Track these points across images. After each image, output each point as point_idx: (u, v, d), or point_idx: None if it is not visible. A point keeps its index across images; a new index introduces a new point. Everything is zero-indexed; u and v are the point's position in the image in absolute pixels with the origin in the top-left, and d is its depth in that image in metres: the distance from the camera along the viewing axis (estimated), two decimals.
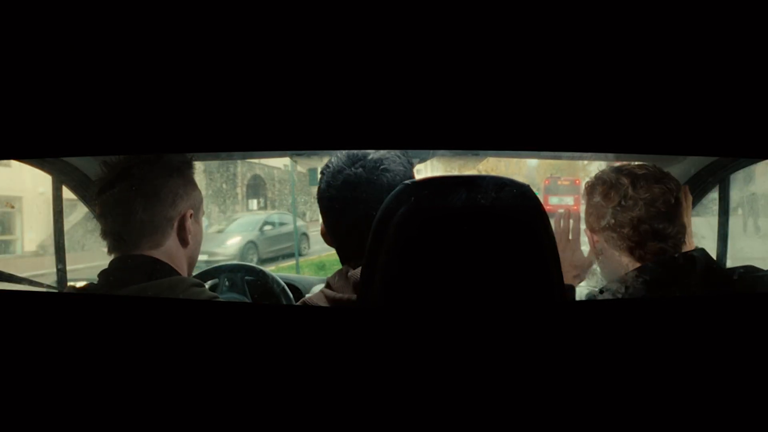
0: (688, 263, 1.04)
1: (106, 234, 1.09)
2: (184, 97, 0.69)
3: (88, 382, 0.73)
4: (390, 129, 0.66)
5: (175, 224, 1.09)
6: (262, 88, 0.68)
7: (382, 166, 0.96)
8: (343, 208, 0.97)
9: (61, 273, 1.51)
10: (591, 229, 1.14)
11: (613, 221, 1.07)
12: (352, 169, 0.96)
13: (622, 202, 1.05)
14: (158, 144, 0.74)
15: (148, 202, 1.05)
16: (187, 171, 1.12)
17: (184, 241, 1.10)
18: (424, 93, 0.65)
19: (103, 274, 1.12)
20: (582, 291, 1.24)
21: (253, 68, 0.67)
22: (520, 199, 0.75)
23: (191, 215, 1.11)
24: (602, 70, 0.65)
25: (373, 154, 0.97)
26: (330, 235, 1.01)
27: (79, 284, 1.31)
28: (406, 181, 0.80)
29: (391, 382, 0.68)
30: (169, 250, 1.08)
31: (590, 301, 1.11)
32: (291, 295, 1.49)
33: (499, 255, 0.73)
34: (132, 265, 1.06)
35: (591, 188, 1.12)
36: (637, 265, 1.06)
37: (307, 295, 1.02)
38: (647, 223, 1.04)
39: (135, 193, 1.04)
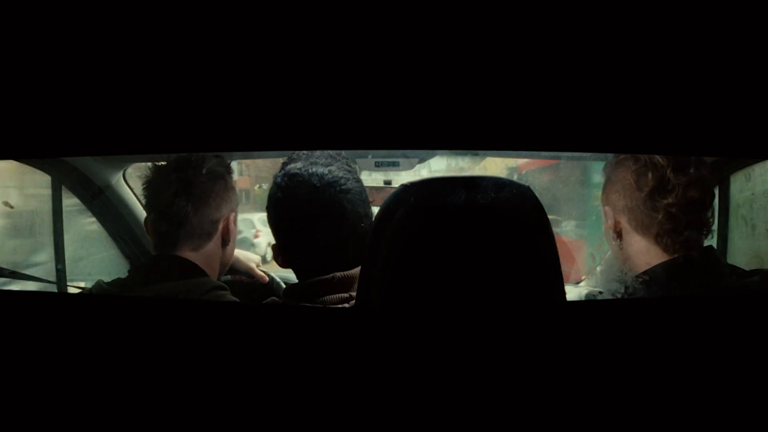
0: (711, 259, 1.00)
1: (151, 233, 1.13)
2: (184, 97, 0.69)
3: (90, 383, 0.74)
4: (390, 129, 0.66)
5: (220, 227, 1.13)
6: (262, 88, 0.68)
7: (340, 186, 0.96)
8: (304, 229, 0.96)
9: (61, 273, 1.52)
10: (614, 209, 1.05)
11: (645, 204, 0.99)
12: (306, 188, 0.95)
13: (660, 185, 0.98)
14: (158, 144, 0.74)
15: (198, 206, 1.09)
16: (228, 174, 1.16)
17: (225, 242, 1.15)
18: (423, 93, 0.65)
19: (134, 269, 1.16)
20: (582, 291, 1.24)
21: (253, 68, 0.67)
22: (520, 200, 0.75)
23: (233, 218, 1.16)
24: (602, 71, 0.65)
25: (327, 175, 0.96)
26: (289, 257, 1.00)
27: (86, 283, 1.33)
28: (405, 182, 0.80)
29: (392, 383, 0.68)
30: (208, 252, 1.12)
31: (590, 301, 1.11)
32: (282, 285, 1.48)
33: (498, 255, 0.73)
34: (163, 265, 1.09)
35: (620, 164, 1.03)
36: (660, 252, 1.00)
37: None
38: (682, 210, 0.97)
39: (186, 197, 1.08)
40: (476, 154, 1.37)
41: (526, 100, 0.65)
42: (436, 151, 1.34)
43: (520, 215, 0.74)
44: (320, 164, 0.97)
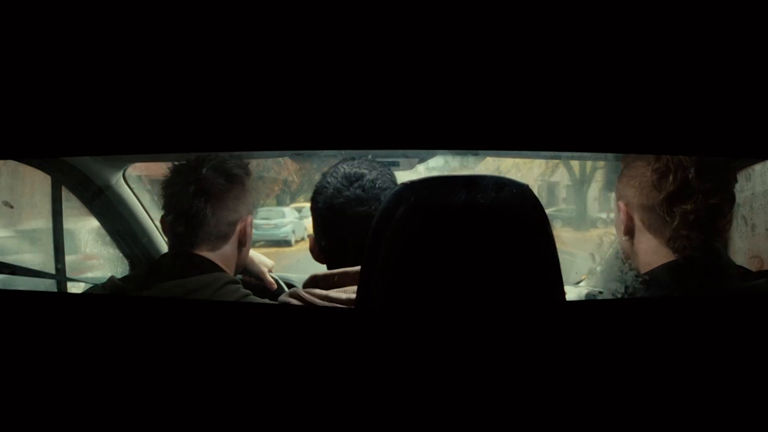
0: (719, 260, 0.98)
1: (168, 232, 1.14)
2: (184, 97, 0.69)
3: (90, 382, 0.74)
4: (390, 129, 0.66)
5: (237, 228, 1.15)
6: (262, 88, 0.68)
7: (378, 185, 1.03)
8: (343, 226, 1.01)
9: (61, 273, 1.52)
10: (627, 204, 1.03)
11: (661, 207, 0.96)
12: (351, 189, 1.02)
13: (680, 189, 0.94)
14: (158, 144, 0.74)
15: (217, 208, 1.11)
16: (247, 177, 1.17)
17: (242, 244, 1.17)
18: (424, 93, 0.65)
19: (150, 265, 1.16)
20: (582, 291, 1.24)
21: (253, 69, 0.67)
22: (520, 199, 0.75)
23: (250, 220, 1.18)
24: (602, 70, 0.65)
25: (367, 174, 1.04)
26: (324, 251, 1.05)
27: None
28: (406, 181, 0.80)
29: (392, 383, 0.68)
30: (225, 252, 1.14)
31: (590, 301, 1.11)
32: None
33: (498, 255, 0.73)
34: (179, 262, 1.11)
35: (640, 157, 1.00)
36: (670, 254, 0.98)
37: (287, 298, 1.01)
38: (700, 217, 0.94)
39: (205, 199, 1.10)
40: (476, 154, 1.37)
41: (526, 100, 0.65)
42: (436, 151, 1.34)
43: (519, 215, 0.74)
44: (364, 167, 1.06)
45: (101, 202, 1.52)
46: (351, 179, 1.03)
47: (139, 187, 1.59)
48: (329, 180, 1.05)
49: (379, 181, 1.04)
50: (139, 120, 0.70)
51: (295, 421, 0.69)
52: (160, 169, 1.76)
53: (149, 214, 1.60)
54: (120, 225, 1.56)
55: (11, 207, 1.40)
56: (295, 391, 0.69)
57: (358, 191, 1.02)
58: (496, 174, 0.74)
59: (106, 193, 1.51)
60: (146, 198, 1.60)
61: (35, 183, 1.45)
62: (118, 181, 1.53)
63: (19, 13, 0.69)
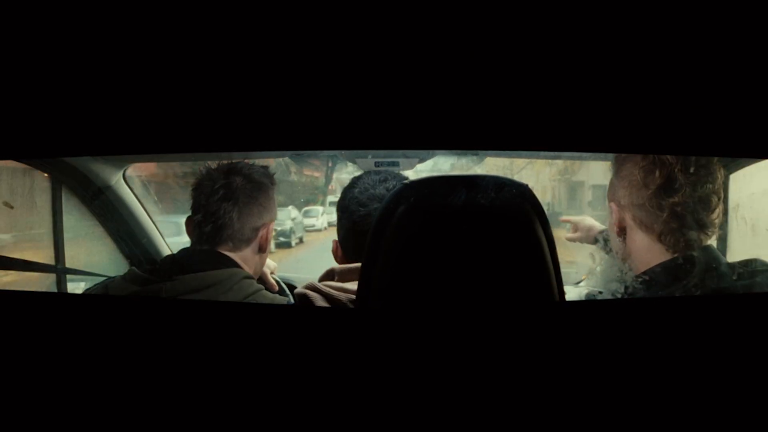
0: (711, 259, 0.99)
1: (192, 230, 1.18)
2: (184, 98, 0.69)
3: (89, 381, 0.74)
4: (390, 129, 0.66)
5: (260, 234, 1.20)
6: (262, 88, 0.68)
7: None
8: (363, 220, 1.07)
9: (61, 272, 1.52)
10: (619, 205, 1.06)
11: (651, 202, 0.98)
12: (378, 188, 1.10)
13: (667, 183, 0.97)
14: (158, 144, 0.74)
15: (243, 213, 1.17)
16: (272, 185, 1.23)
17: (261, 249, 1.22)
18: (424, 93, 0.65)
19: (170, 258, 1.23)
20: (582, 291, 1.24)
21: (253, 69, 0.67)
22: (519, 199, 0.75)
23: (272, 227, 1.23)
24: (602, 71, 0.65)
25: (391, 180, 1.13)
26: (343, 246, 1.11)
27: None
28: (406, 181, 0.80)
29: (391, 382, 0.68)
30: (245, 256, 1.19)
31: (590, 301, 1.11)
32: (288, 293, 1.49)
33: (497, 255, 0.73)
34: (197, 256, 1.15)
35: (628, 160, 1.03)
36: (663, 250, 1.00)
37: (304, 290, 1.03)
38: (688, 209, 0.97)
39: (233, 203, 1.16)
40: (476, 154, 1.37)
41: (526, 100, 0.65)
42: (436, 151, 1.34)
43: (519, 215, 0.74)
44: (390, 175, 1.15)
45: (101, 203, 1.52)
46: (378, 180, 1.13)
47: (139, 187, 1.60)
48: (357, 182, 1.14)
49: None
50: (139, 120, 0.70)
51: (301, 414, 0.69)
52: (160, 169, 1.76)
53: (149, 214, 1.60)
54: (120, 225, 1.57)
55: (11, 207, 1.40)
56: (293, 392, 0.69)
57: (383, 191, 1.10)
58: (507, 171, 0.74)
59: (106, 194, 1.51)
60: (146, 198, 1.61)
61: (35, 183, 1.46)
62: (118, 181, 1.53)
63: (19, 13, 0.69)
